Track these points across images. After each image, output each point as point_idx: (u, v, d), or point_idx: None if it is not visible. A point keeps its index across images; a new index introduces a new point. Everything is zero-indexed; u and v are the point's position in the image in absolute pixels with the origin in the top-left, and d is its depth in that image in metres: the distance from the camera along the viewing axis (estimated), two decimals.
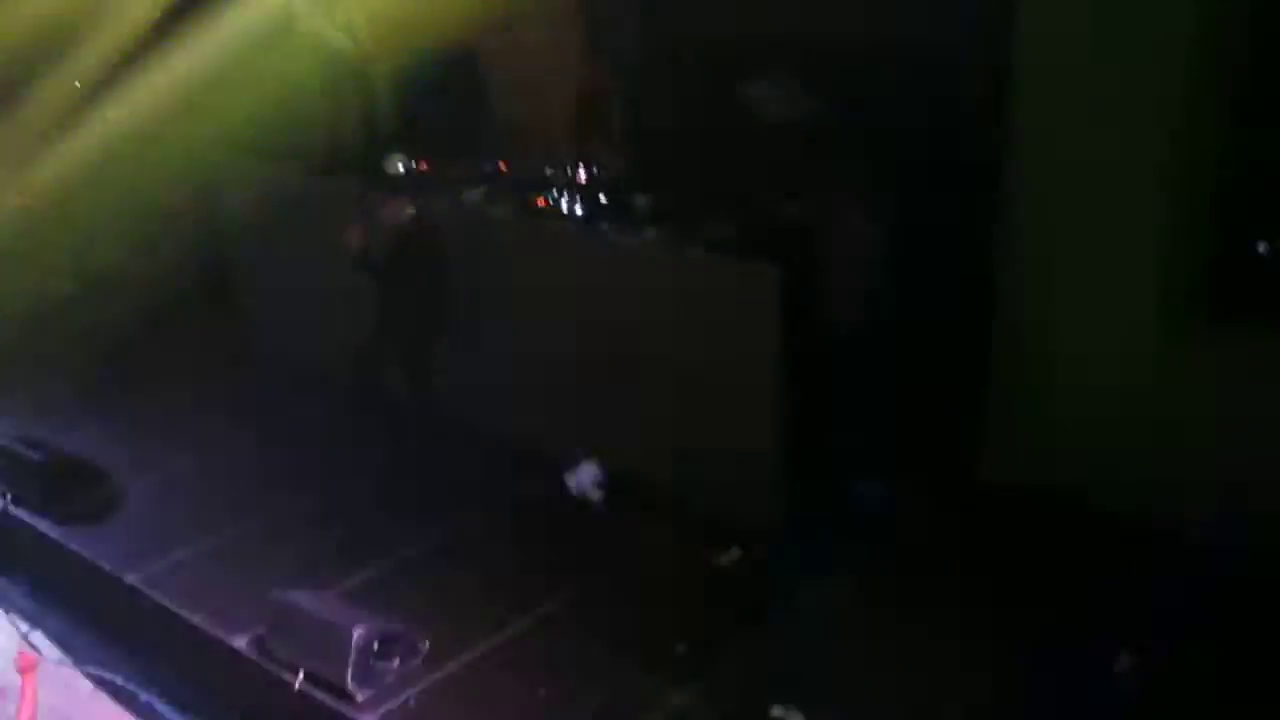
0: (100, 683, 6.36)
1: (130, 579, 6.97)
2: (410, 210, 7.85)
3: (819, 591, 6.39)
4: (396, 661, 6.02)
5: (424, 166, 8.75)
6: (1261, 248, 6.34)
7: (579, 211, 7.92)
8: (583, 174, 8.16)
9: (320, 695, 5.91)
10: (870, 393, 7.44)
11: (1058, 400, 6.75)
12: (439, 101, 8.96)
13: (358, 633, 5.90)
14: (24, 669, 5.64)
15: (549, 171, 8.27)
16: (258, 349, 9.83)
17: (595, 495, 7.55)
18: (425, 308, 7.87)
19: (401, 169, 8.71)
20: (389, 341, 7.95)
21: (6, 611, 7.09)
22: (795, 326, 6.88)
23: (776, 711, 5.57)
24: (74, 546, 7.37)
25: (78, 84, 10.32)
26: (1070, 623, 5.87)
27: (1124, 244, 6.45)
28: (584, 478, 7.60)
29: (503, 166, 8.65)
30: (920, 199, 6.83)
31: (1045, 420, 6.77)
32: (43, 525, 7.60)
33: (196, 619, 6.54)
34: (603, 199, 7.93)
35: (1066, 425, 6.67)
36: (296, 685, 5.92)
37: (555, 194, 8.03)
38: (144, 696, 6.26)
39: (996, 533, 6.62)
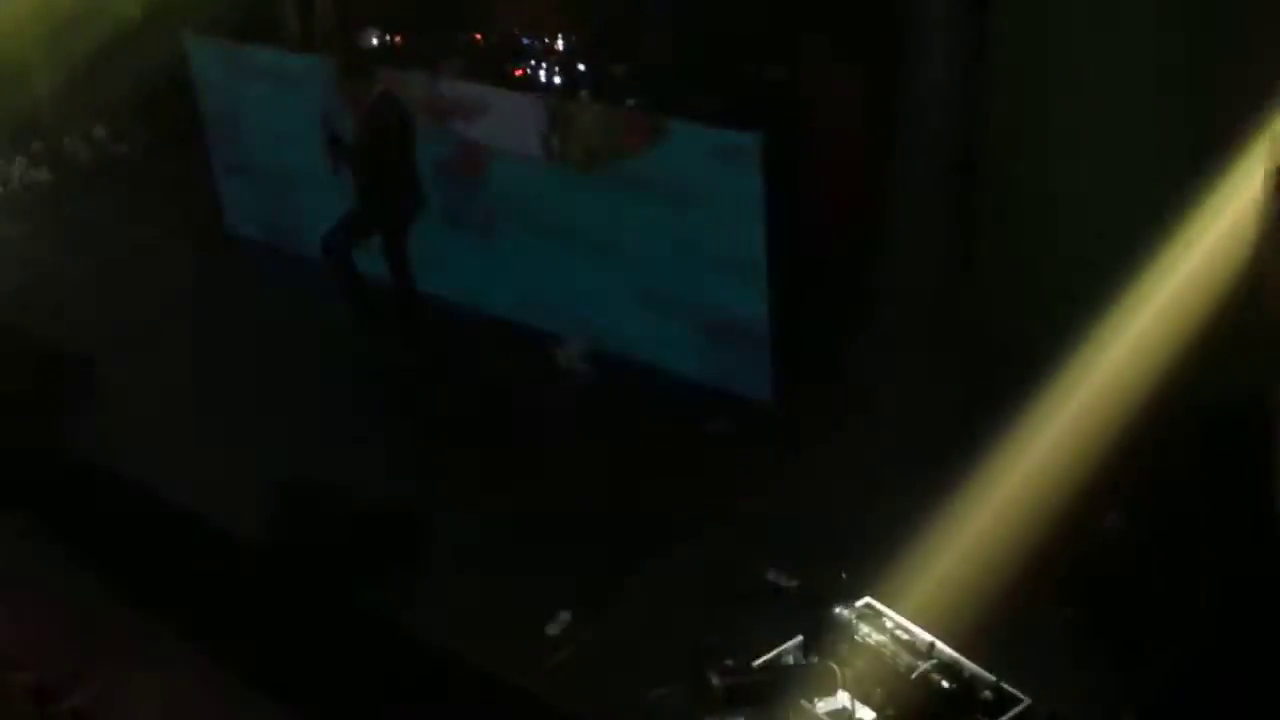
0: None
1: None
2: (379, 88, 7.57)
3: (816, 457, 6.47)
4: None
5: (397, 40, 8.57)
6: None
7: (557, 81, 7.79)
8: (561, 43, 8.00)
9: None
10: (855, 258, 7.46)
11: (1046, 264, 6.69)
12: None
13: None
14: None
15: (526, 42, 8.13)
16: (233, 230, 9.72)
17: (582, 368, 7.56)
18: (399, 187, 7.68)
19: (375, 43, 8.52)
20: (364, 222, 7.80)
21: None
22: (779, 193, 6.83)
23: (771, 575, 5.66)
24: None
25: None
26: None
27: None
28: (572, 351, 7.61)
29: (477, 37, 8.46)
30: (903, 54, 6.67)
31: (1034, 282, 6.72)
32: None
33: None
34: (581, 67, 7.79)
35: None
36: None
37: (533, 64, 7.89)
38: None
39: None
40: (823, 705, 4.77)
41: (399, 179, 7.55)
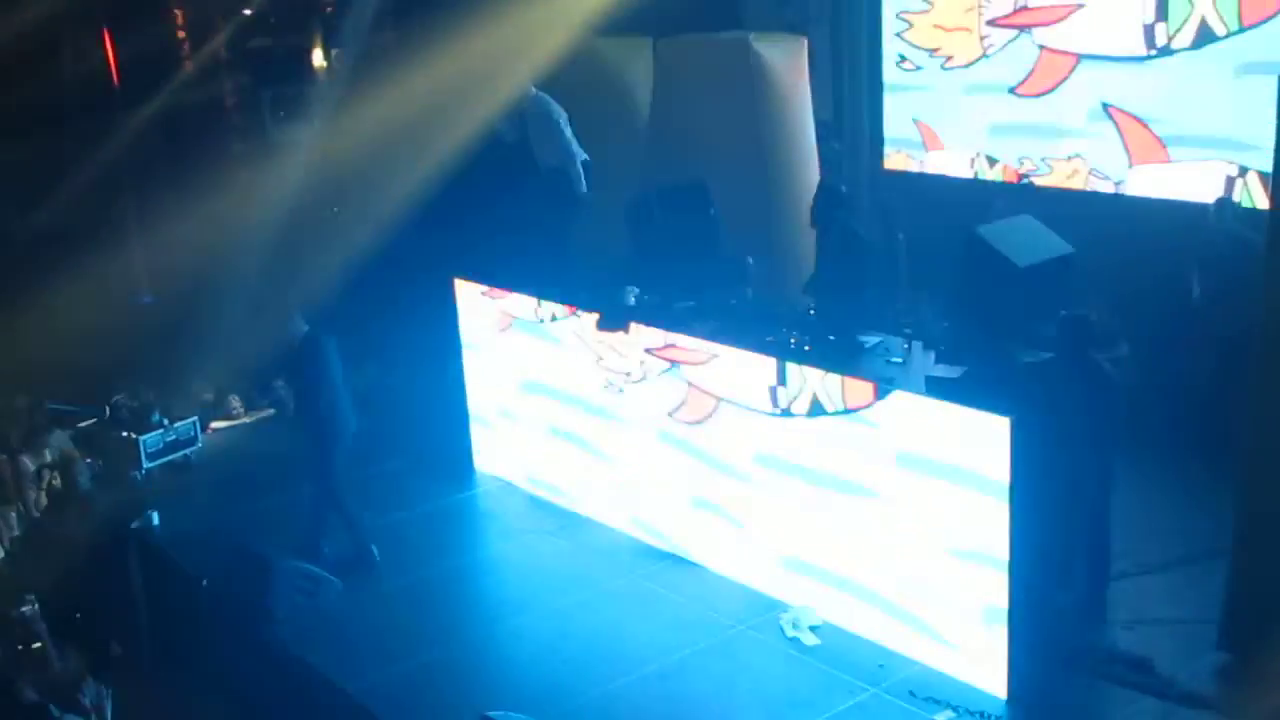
0: None
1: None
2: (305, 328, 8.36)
3: None
4: None
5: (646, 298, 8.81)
6: None
7: (807, 349, 7.80)
8: (812, 310, 8.11)
9: None
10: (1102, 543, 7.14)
11: None
12: (676, 234, 9.07)
13: None
14: None
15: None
16: (482, 468, 10.03)
17: (808, 637, 7.34)
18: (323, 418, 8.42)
19: (633, 301, 8.78)
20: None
21: None
22: (1026, 478, 6.58)
23: None
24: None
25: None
26: None
27: None
28: (798, 619, 7.42)
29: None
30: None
31: None
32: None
33: None
34: (831, 338, 7.82)
35: None
36: None
37: (783, 330, 7.97)
38: None
39: None
40: None
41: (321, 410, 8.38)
